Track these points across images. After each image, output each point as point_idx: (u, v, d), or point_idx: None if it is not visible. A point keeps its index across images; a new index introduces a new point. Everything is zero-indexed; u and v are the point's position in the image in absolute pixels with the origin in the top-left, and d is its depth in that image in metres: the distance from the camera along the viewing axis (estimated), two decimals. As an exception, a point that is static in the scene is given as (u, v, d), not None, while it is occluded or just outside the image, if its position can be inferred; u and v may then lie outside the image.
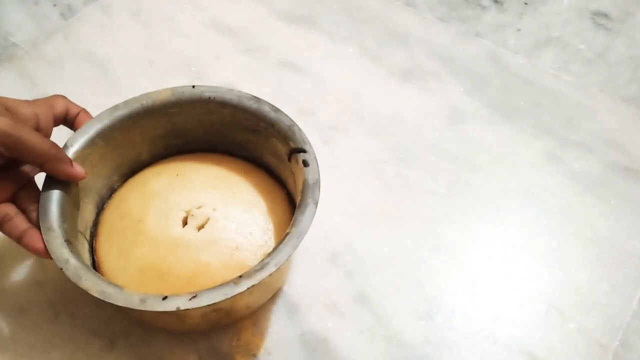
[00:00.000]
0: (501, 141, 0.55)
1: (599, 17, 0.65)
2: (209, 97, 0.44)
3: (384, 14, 0.66)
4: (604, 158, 0.54)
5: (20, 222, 0.38)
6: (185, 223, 0.43)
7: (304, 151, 0.41)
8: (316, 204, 0.39)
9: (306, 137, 0.42)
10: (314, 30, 0.64)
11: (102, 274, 0.41)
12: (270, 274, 0.36)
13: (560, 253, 0.48)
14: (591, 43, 0.63)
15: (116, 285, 0.36)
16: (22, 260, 0.47)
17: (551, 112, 0.57)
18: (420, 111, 0.58)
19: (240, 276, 0.35)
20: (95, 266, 0.42)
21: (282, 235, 0.38)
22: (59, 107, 0.42)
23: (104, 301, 0.35)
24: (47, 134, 0.40)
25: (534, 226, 0.50)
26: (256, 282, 0.35)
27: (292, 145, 0.42)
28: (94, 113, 0.43)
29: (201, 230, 0.42)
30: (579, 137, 0.55)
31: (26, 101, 0.39)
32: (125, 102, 0.44)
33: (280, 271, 0.38)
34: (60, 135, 0.42)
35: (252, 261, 0.41)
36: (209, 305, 0.34)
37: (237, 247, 0.41)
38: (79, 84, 0.59)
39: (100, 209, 0.45)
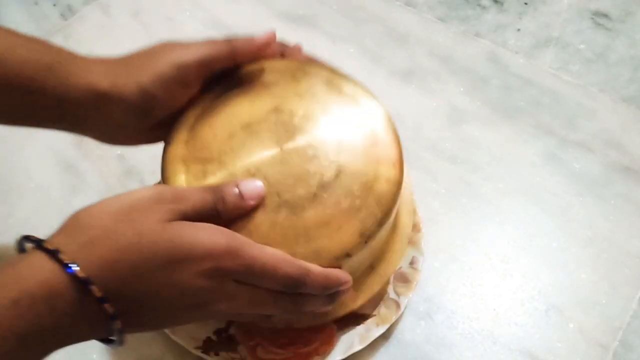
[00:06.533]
0: (501, 141, 0.55)
1: (599, 17, 0.65)
2: None
3: (384, 14, 0.66)
4: (604, 158, 0.54)
5: None
6: None
7: None
8: None
9: None
10: (314, 30, 0.64)
11: None
12: None
13: (560, 253, 0.48)
14: (591, 43, 0.63)
15: None
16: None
17: (551, 112, 0.57)
18: (420, 111, 0.58)
19: None
20: None
21: None
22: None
23: None
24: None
25: (534, 226, 0.50)
26: None
27: None
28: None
29: None
30: (579, 137, 0.55)
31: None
32: None
33: None
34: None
35: None
36: None
37: None
38: (78, 84, 0.59)
39: None
